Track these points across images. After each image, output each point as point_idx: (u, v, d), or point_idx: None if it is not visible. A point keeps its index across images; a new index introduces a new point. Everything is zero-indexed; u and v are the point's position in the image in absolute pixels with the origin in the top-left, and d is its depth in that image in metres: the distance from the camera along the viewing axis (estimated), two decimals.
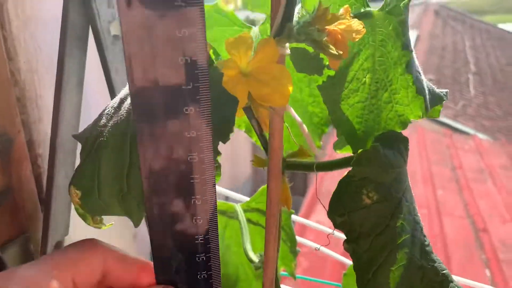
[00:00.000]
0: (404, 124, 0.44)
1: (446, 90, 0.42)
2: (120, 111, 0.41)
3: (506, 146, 4.29)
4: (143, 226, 0.63)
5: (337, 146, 0.51)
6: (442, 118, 4.85)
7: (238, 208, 0.60)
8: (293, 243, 0.62)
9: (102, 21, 0.54)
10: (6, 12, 0.51)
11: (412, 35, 7.49)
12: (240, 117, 0.48)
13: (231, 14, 0.53)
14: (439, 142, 4.15)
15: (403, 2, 0.35)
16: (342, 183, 0.41)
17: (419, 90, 0.36)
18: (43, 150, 0.59)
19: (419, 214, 0.45)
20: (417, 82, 0.36)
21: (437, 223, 2.75)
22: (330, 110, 0.49)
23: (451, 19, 9.09)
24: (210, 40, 0.55)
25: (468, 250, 2.52)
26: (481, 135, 4.67)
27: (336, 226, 0.42)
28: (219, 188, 0.71)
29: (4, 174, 0.52)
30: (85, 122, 0.55)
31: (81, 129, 0.53)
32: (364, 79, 0.46)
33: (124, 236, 0.80)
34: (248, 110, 0.44)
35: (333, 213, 0.42)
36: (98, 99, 0.63)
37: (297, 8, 0.48)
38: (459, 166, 3.62)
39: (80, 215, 0.43)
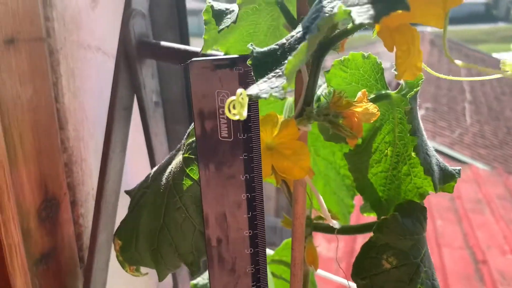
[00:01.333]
0: (422, 196, 0.49)
1: (459, 168, 0.47)
2: (162, 177, 0.53)
3: (503, 176, 4.53)
4: (166, 279, 0.73)
5: (363, 210, 0.61)
6: (439, 147, 5.12)
7: (274, 267, 0.70)
8: None
9: (147, 91, 0.67)
10: (60, 86, 0.62)
11: None
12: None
13: None
14: None
15: (410, 93, 0.44)
16: (364, 248, 0.51)
17: (426, 171, 0.42)
18: (84, 210, 0.71)
19: (437, 279, 0.54)
20: (425, 164, 0.42)
21: (436, 254, 2.87)
22: (355, 177, 0.58)
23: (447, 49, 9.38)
24: None
25: (468, 282, 2.65)
26: (478, 164, 4.93)
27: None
28: None
29: (50, 236, 0.63)
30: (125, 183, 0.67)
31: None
32: (386, 151, 0.54)
33: (148, 286, 0.86)
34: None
35: (355, 275, 0.51)
36: (138, 160, 0.75)
37: (323, 88, 0.59)
38: (458, 196, 3.82)
39: (119, 262, 0.50)
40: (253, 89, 0.33)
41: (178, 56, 0.59)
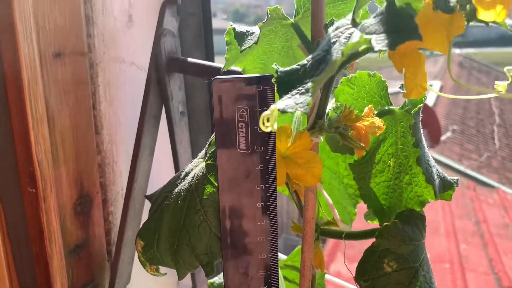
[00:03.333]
0: (422, 203, 0.49)
1: (457, 178, 0.51)
2: (184, 182, 0.54)
3: None
4: (185, 278, 0.74)
5: (367, 217, 0.61)
6: (466, 170, 4.86)
7: (286, 270, 0.71)
8: None
9: (174, 101, 0.69)
10: (98, 95, 0.64)
11: (436, 86, 7.21)
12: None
13: None
14: (462, 195, 4.13)
15: (414, 109, 0.46)
16: (367, 252, 0.51)
17: (428, 180, 0.43)
18: (114, 208, 0.72)
19: (435, 283, 0.54)
20: (426, 173, 0.43)
21: (460, 279, 2.66)
22: (359, 186, 0.58)
23: (476, 71, 8.86)
24: None
25: None
26: (505, 188, 4.60)
27: None
28: None
29: (83, 229, 0.65)
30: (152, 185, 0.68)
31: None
32: (389, 162, 0.55)
33: (167, 285, 0.87)
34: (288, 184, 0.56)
35: (359, 278, 0.51)
36: (163, 164, 0.77)
37: (331, 103, 0.60)
38: (483, 220, 3.58)
39: (140, 262, 0.50)
40: (280, 104, 0.34)
41: (203, 72, 0.61)
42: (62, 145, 0.59)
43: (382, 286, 0.50)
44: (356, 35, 0.32)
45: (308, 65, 0.37)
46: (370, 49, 0.39)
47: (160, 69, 0.62)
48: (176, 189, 0.53)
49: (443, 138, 5.67)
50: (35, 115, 0.49)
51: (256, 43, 0.48)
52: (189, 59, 0.63)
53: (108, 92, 0.66)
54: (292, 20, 0.51)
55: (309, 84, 0.34)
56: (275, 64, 0.38)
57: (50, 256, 0.52)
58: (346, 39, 0.34)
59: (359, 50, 0.41)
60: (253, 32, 0.49)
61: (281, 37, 0.54)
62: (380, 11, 0.33)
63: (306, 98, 0.34)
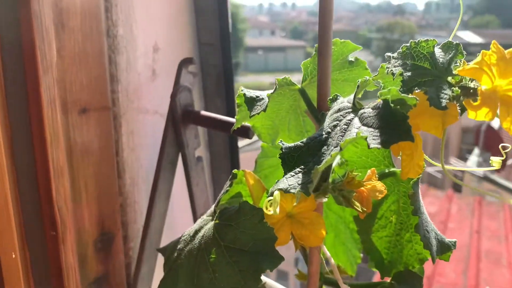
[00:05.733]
0: (422, 261, 0.45)
1: (454, 240, 0.45)
2: (194, 241, 0.49)
3: None
4: None
5: (370, 265, 0.56)
6: None
7: None
8: None
9: (190, 148, 0.63)
10: (121, 143, 0.59)
11: None
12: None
13: None
14: None
15: (413, 180, 0.41)
16: None
17: (426, 246, 0.37)
18: (134, 244, 0.66)
19: None
20: (424, 239, 0.37)
21: None
22: (363, 239, 0.53)
23: None
24: (269, 166, 0.63)
25: None
26: None
27: None
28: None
29: (103, 263, 0.60)
30: (168, 227, 0.62)
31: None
32: (391, 218, 0.49)
33: None
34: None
35: None
36: (181, 205, 0.71)
37: (337, 159, 0.54)
38: None
39: None
40: (283, 184, 0.32)
41: (215, 124, 0.55)
42: (85, 190, 0.54)
43: None
44: (354, 130, 0.30)
45: (312, 143, 0.34)
46: None
47: (176, 121, 0.57)
48: (188, 247, 0.47)
49: (509, 162, 5.12)
50: (57, 168, 0.44)
51: (264, 110, 0.43)
52: (202, 112, 0.58)
53: (131, 140, 0.60)
54: (300, 86, 0.46)
55: (311, 171, 0.31)
56: (281, 141, 0.36)
57: None
58: (346, 125, 0.31)
59: None
60: (263, 98, 0.44)
61: (289, 98, 0.50)
62: (378, 104, 0.29)
63: (308, 181, 0.31)
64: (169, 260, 0.46)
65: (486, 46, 0.30)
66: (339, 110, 0.34)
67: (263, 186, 0.50)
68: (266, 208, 0.30)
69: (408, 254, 0.47)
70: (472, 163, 5.39)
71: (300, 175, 0.32)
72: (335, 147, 0.29)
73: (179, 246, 0.46)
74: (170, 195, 0.61)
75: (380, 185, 0.44)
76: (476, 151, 5.45)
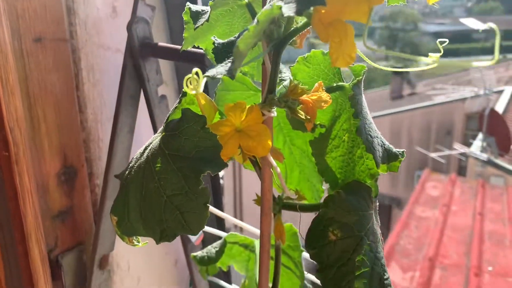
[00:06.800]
0: (373, 176, 0.45)
1: (403, 150, 0.45)
2: (142, 156, 0.49)
3: None
4: (183, 254, 0.68)
5: (330, 191, 0.56)
6: None
7: (257, 243, 0.65)
8: (302, 278, 0.64)
9: (151, 84, 0.62)
10: (81, 77, 0.57)
11: (508, 91, 6.55)
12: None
13: (247, 81, 0.60)
14: None
15: (353, 82, 0.40)
16: (314, 221, 0.44)
17: (368, 149, 0.37)
18: (101, 181, 0.66)
19: (382, 252, 0.47)
20: (366, 142, 0.37)
21: None
22: (317, 161, 0.52)
23: None
24: (231, 101, 0.62)
25: None
26: None
27: (311, 257, 0.45)
28: (242, 224, 0.76)
29: (68, 197, 0.60)
30: None
31: None
32: (344, 137, 0.49)
33: (166, 262, 0.79)
34: (252, 160, 0.50)
35: (307, 246, 0.45)
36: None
37: (288, 80, 0.54)
38: None
39: (118, 235, 0.47)
40: (211, 72, 0.32)
41: (174, 54, 0.55)
42: (44, 119, 0.53)
43: (328, 254, 0.43)
44: (271, 5, 0.29)
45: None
46: (307, 24, 0.37)
47: (134, 54, 0.56)
48: (138, 162, 0.47)
49: None
50: (6, 87, 0.43)
51: (207, 21, 0.42)
52: (160, 44, 0.57)
53: (92, 75, 0.60)
54: (246, 1, 0.45)
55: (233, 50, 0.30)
56: (214, 36, 0.36)
57: (25, 214, 0.47)
58: (267, 9, 0.30)
59: (298, 26, 0.38)
60: (207, 11, 0.43)
61: (240, 17, 0.48)
62: None
63: (233, 66, 0.31)
64: (122, 179, 0.46)
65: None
66: (269, 1, 0.33)
67: (215, 106, 0.50)
68: (187, 87, 0.30)
69: (360, 170, 0.47)
70: (476, 148, 5.37)
71: (228, 63, 0.32)
72: (253, 24, 0.28)
73: (130, 164, 0.46)
74: (134, 129, 0.60)
75: (325, 96, 0.43)
76: (480, 136, 5.42)
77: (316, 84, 0.45)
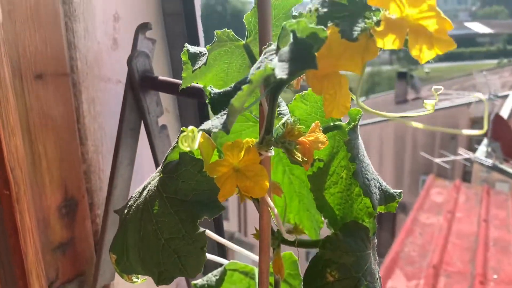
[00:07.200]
0: (371, 214, 0.46)
1: (400, 190, 0.45)
2: (142, 195, 0.49)
3: None
4: (183, 280, 0.68)
5: (328, 225, 0.55)
6: None
7: (257, 271, 0.64)
8: None
9: (151, 116, 0.63)
10: (82, 111, 0.57)
11: None
12: None
13: (247, 114, 0.61)
14: None
15: (349, 127, 0.40)
16: (312, 261, 0.44)
17: (365, 193, 0.37)
18: (101, 211, 0.66)
19: None
20: (363, 186, 0.37)
21: None
22: (316, 196, 0.52)
23: None
24: (231, 132, 0.63)
25: None
26: None
27: None
28: (243, 251, 0.76)
29: (69, 229, 0.60)
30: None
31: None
32: (342, 174, 0.49)
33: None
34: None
35: (305, 285, 0.45)
36: (149, 172, 0.71)
37: (286, 117, 0.54)
38: None
39: (118, 273, 0.47)
40: (207, 125, 0.32)
41: (173, 88, 0.55)
42: (45, 155, 0.53)
43: None
44: (264, 66, 0.29)
45: (238, 86, 0.34)
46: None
47: (135, 86, 0.57)
48: (136, 203, 0.47)
49: None
50: (7, 128, 0.44)
51: (205, 64, 0.42)
52: (160, 77, 0.57)
53: (92, 107, 0.60)
54: (244, 42, 0.45)
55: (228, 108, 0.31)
56: (210, 86, 0.36)
57: (25, 252, 0.47)
58: (261, 69, 0.30)
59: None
60: (205, 53, 0.44)
61: (238, 56, 0.49)
62: (291, 41, 0.29)
63: (228, 120, 0.31)
64: (121, 218, 0.46)
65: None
66: (265, 53, 0.34)
67: (213, 144, 0.50)
68: (182, 144, 0.30)
69: (358, 208, 0.47)
70: (481, 153, 5.34)
71: (224, 116, 0.32)
72: (248, 82, 0.29)
73: (129, 203, 0.46)
74: (134, 162, 0.61)
75: (322, 137, 0.43)
76: (485, 141, 5.40)
77: (313, 125, 0.45)
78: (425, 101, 0.37)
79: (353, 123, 0.40)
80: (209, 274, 0.71)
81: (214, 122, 0.32)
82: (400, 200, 0.44)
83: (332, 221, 0.51)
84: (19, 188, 0.46)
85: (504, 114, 5.93)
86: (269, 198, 0.47)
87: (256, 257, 0.74)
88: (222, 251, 0.82)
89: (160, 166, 0.46)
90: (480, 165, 5.19)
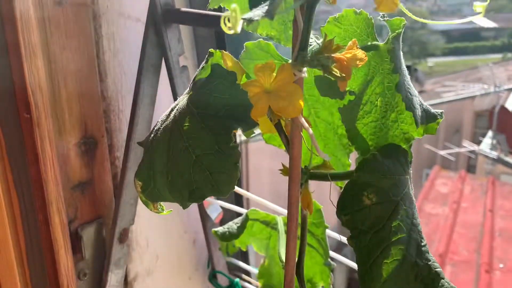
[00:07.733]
0: (408, 140, 0.43)
1: (441, 110, 0.43)
2: (168, 118, 0.47)
3: None
4: (202, 233, 0.66)
5: (358, 161, 0.53)
6: None
7: (279, 219, 0.62)
8: (326, 255, 0.61)
9: (173, 52, 0.60)
10: (102, 45, 0.55)
11: None
12: (275, 135, 0.52)
13: (272, 50, 0.58)
14: None
15: (392, 34, 0.38)
16: (347, 186, 0.42)
17: (408, 107, 0.34)
18: (121, 154, 0.65)
19: (419, 218, 0.45)
20: (406, 100, 0.35)
21: None
22: (348, 128, 0.50)
23: None
24: (255, 59, 0.60)
25: None
26: None
27: (343, 224, 0.43)
28: (263, 201, 0.74)
29: (88, 168, 0.58)
30: None
31: None
32: (376, 102, 0.46)
33: (184, 241, 0.77)
34: (278, 126, 0.48)
35: (340, 212, 0.42)
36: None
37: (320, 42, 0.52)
38: None
39: (143, 202, 0.45)
40: (249, 14, 0.30)
41: (199, 20, 0.53)
42: (64, 86, 0.51)
43: (362, 220, 0.41)
44: None
45: None
46: None
47: (156, 20, 0.54)
48: (162, 126, 0.45)
49: None
50: (28, 48, 0.42)
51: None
52: (183, 9, 0.55)
53: (112, 43, 0.58)
54: None
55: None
56: None
57: (46, 181, 0.46)
58: None
59: None
60: None
61: None
62: None
63: (272, 8, 0.29)
64: (147, 143, 0.44)
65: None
66: None
67: (242, 68, 0.48)
68: (225, 26, 0.28)
69: (393, 135, 0.44)
70: (486, 145, 5.29)
71: (265, 7, 0.30)
72: None
73: (155, 128, 0.44)
74: (155, 101, 0.59)
75: (360, 53, 0.41)
76: (490, 133, 5.35)
77: (350, 42, 0.42)
78: (475, 3, 0.34)
79: (396, 31, 0.37)
80: (230, 222, 0.69)
81: (256, 12, 0.30)
82: (441, 120, 0.42)
83: (365, 152, 0.48)
84: (39, 112, 0.44)
85: (510, 106, 5.86)
86: (302, 118, 0.45)
87: (276, 207, 0.72)
88: (239, 205, 0.81)
89: (188, 87, 0.43)
90: (485, 158, 5.15)
